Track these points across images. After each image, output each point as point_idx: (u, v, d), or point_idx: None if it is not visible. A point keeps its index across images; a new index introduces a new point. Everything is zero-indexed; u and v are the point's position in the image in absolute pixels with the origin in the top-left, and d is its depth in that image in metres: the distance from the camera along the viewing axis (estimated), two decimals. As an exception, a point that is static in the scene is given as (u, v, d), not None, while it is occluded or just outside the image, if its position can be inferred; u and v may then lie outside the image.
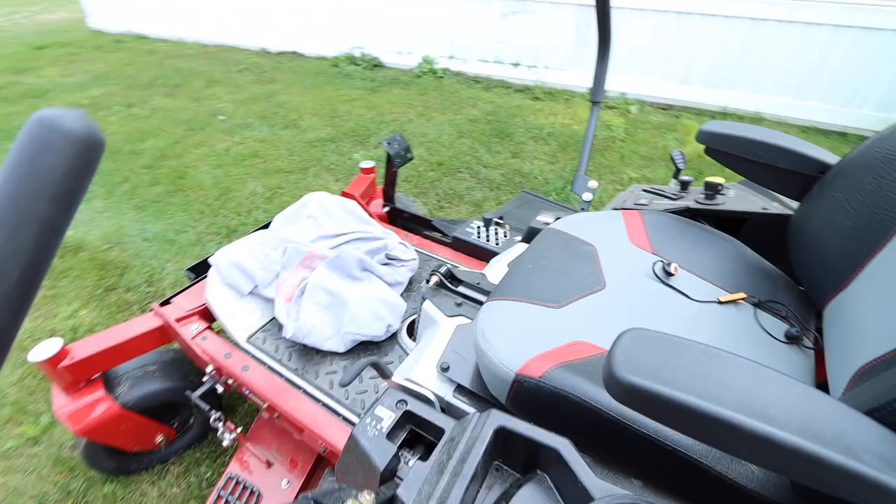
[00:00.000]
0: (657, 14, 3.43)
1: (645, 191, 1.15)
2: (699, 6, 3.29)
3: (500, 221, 1.58)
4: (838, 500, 0.50)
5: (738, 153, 0.91)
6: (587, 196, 1.28)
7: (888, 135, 0.71)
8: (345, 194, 1.65)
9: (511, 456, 0.63)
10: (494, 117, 3.48)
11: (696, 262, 0.88)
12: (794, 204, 0.91)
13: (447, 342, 0.91)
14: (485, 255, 1.44)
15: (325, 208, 1.46)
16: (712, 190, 1.04)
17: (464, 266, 1.38)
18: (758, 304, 0.81)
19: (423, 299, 1.07)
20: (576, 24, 3.70)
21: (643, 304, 0.80)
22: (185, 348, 1.22)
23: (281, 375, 1.10)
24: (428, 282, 1.08)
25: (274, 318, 1.23)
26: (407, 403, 0.74)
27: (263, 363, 1.13)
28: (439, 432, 0.70)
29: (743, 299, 0.82)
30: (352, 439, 0.71)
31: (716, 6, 3.25)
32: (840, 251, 0.74)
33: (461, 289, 1.05)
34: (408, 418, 0.74)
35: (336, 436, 0.94)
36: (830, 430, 0.36)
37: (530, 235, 1.25)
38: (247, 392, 1.11)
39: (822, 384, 0.73)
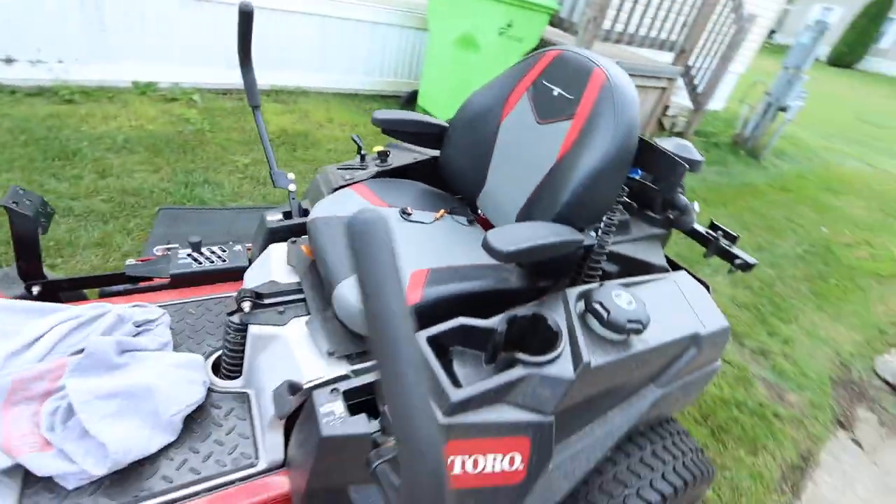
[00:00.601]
0: (194, 3, 3.39)
1: (340, 168, 1.49)
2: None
3: (197, 242, 1.50)
4: (549, 266, 1.13)
5: (399, 129, 1.40)
6: (292, 187, 1.48)
7: (463, 107, 1.36)
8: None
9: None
10: (31, 136, 2.64)
11: (412, 202, 1.35)
12: (433, 151, 1.51)
13: (308, 339, 1.03)
14: (222, 276, 1.42)
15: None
16: (384, 156, 1.51)
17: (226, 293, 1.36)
18: (451, 212, 1.39)
19: (241, 329, 1.08)
20: (77, 4, 3.10)
21: (413, 237, 1.22)
22: None
23: None
24: (237, 311, 1.08)
25: (29, 480, 0.87)
26: (339, 389, 0.90)
27: None
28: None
29: (444, 213, 1.37)
30: (326, 443, 0.82)
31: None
32: (471, 170, 1.38)
33: (270, 301, 1.13)
34: (348, 397, 0.90)
35: (258, 492, 0.93)
36: (559, 231, 0.94)
37: (273, 235, 1.37)
38: None
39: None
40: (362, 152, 1.52)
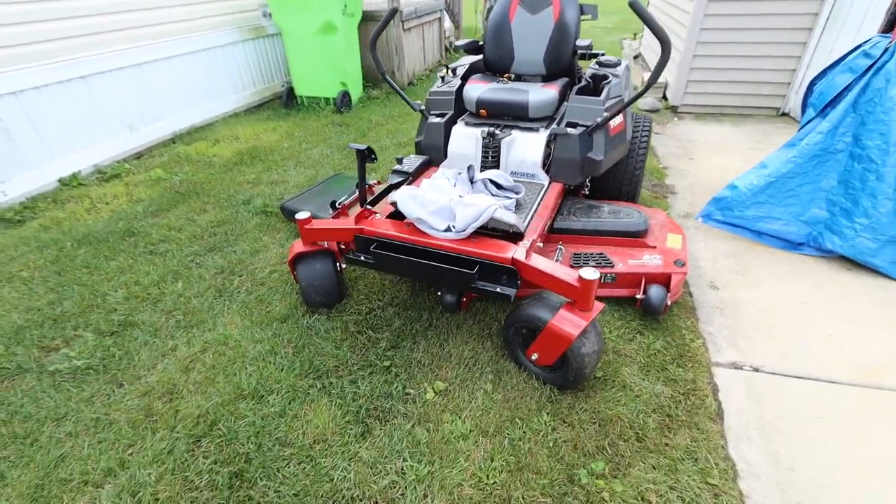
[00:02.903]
0: (75, 83, 3.38)
1: (439, 86, 2.60)
2: (113, 63, 3.56)
3: (400, 158, 2.46)
4: (571, 66, 2.62)
5: (467, 48, 2.61)
6: (422, 106, 2.55)
7: (488, 26, 2.64)
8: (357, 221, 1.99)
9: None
10: (92, 244, 2.72)
11: (492, 78, 2.60)
12: (475, 56, 2.75)
13: (527, 132, 2.30)
14: (427, 165, 2.45)
15: (429, 186, 1.97)
16: (454, 70, 2.68)
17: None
18: (505, 77, 2.69)
19: (496, 145, 2.26)
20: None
21: (512, 86, 2.50)
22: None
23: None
24: (489, 138, 2.24)
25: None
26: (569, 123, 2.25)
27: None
28: None
29: (507, 77, 2.67)
30: (579, 137, 2.18)
31: (123, 59, 3.66)
32: (504, 55, 2.68)
33: (501, 129, 2.31)
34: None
35: (553, 189, 2.24)
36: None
37: (447, 125, 2.46)
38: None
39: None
40: (441, 73, 2.67)
